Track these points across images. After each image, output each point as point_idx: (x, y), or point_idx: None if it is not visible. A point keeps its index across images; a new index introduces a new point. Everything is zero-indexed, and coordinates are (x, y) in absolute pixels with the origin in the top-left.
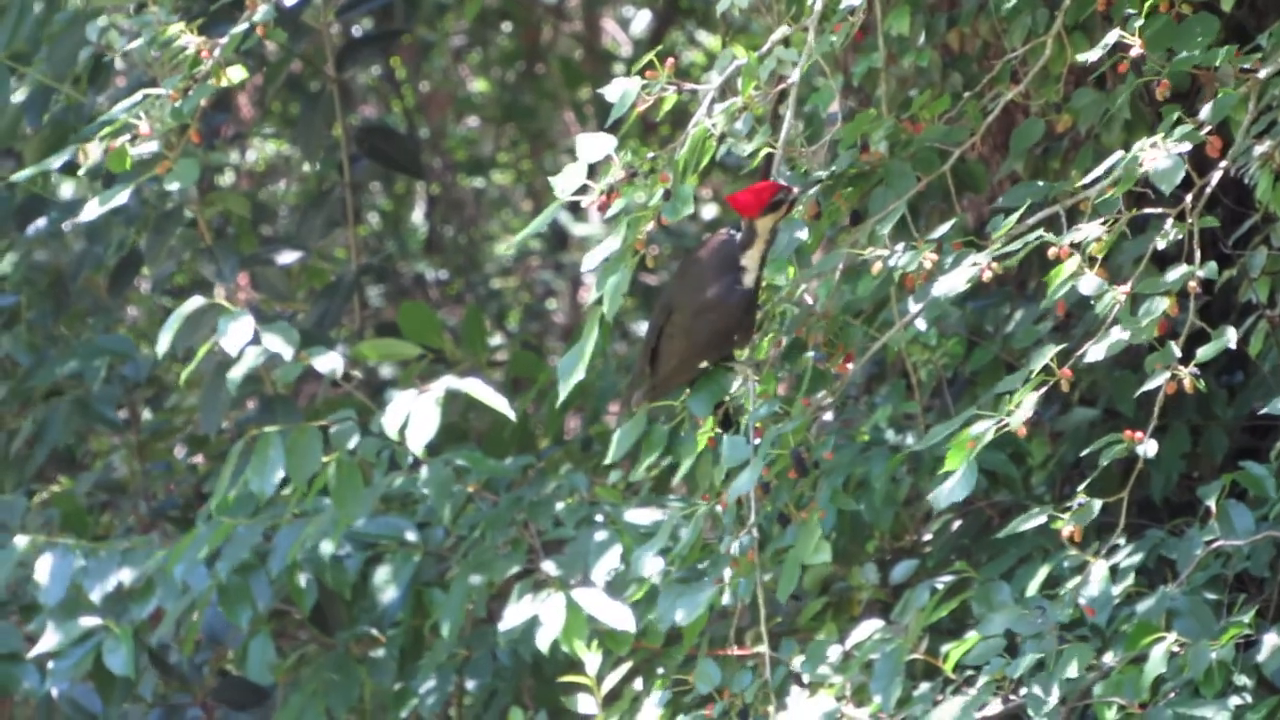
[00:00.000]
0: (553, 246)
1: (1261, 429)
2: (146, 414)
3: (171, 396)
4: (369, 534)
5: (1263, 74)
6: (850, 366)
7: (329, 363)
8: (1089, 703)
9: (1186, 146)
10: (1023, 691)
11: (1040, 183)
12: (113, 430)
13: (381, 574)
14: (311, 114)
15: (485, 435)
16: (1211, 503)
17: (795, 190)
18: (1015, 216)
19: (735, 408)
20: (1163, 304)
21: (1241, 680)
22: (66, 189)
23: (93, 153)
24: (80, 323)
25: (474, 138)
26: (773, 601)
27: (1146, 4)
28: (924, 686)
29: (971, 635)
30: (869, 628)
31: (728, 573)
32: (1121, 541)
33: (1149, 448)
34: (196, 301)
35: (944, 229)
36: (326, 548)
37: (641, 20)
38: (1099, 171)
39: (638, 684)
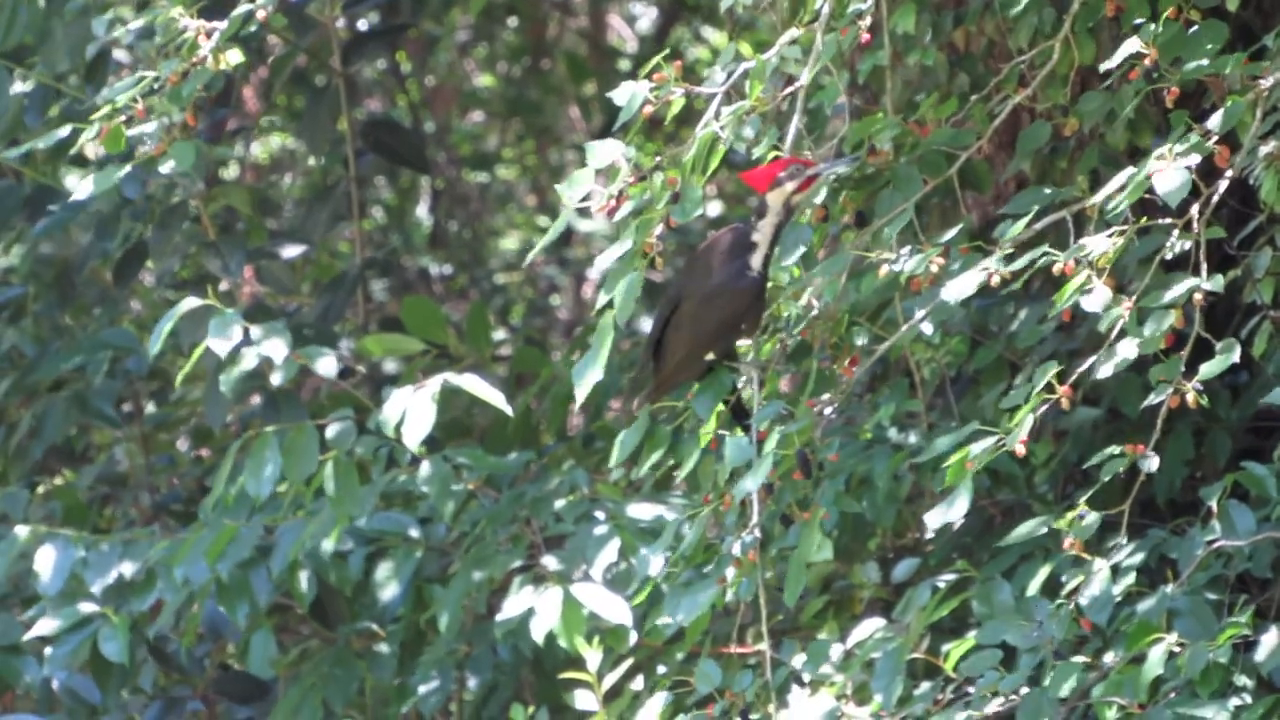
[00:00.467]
0: (557, 242)
1: (1265, 430)
2: (150, 407)
3: (176, 390)
4: (371, 530)
5: (1268, 82)
6: (855, 369)
7: (326, 364)
8: (1089, 703)
9: (1195, 159)
10: (1022, 690)
11: (1047, 190)
12: (110, 426)
13: (383, 570)
14: (317, 108)
15: (487, 431)
16: (1213, 503)
17: (815, 165)
18: (1023, 223)
19: (745, 401)
20: (1169, 317)
21: (1241, 680)
22: (72, 182)
23: (89, 135)
24: (85, 315)
25: (479, 133)
26: (775, 599)
27: (1162, 14)
28: (925, 685)
29: (972, 635)
30: (870, 626)
31: (730, 572)
32: (1122, 541)
33: (1151, 462)
34: (191, 302)
35: (951, 234)
36: (327, 545)
37: (647, 16)
38: (1111, 187)
39: (638, 681)
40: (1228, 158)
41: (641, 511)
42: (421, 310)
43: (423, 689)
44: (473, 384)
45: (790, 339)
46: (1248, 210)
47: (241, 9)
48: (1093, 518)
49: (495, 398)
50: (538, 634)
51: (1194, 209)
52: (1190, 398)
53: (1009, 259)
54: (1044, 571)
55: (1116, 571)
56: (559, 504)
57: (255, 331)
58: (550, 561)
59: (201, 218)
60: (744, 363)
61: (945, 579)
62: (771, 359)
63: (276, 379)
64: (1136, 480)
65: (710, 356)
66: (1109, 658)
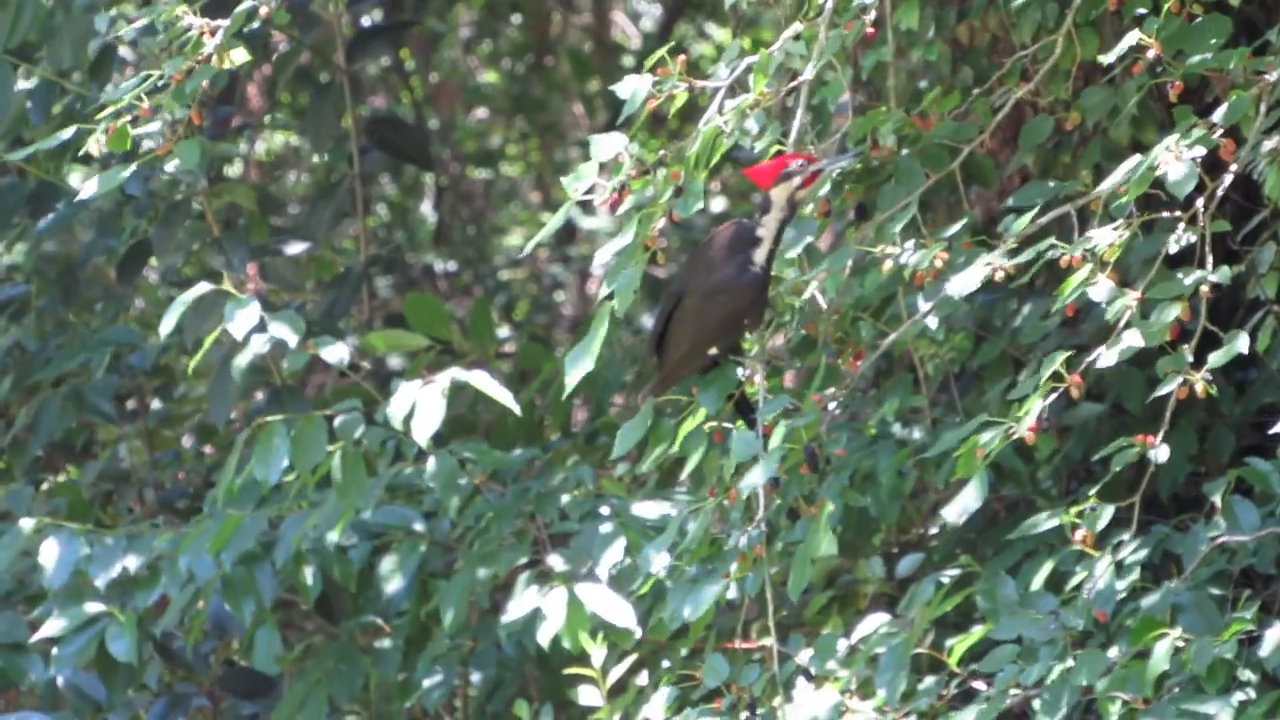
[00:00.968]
0: (561, 239)
1: (1269, 425)
2: (155, 403)
3: (180, 386)
4: (375, 524)
5: (1273, 76)
6: (860, 364)
7: (335, 352)
8: (1093, 698)
9: (1201, 151)
10: (1035, 698)
11: (1051, 183)
12: (107, 422)
13: (387, 564)
14: (321, 105)
15: (492, 427)
16: (1217, 498)
17: (819, 161)
18: (1028, 218)
19: (749, 395)
20: (1174, 310)
21: (1245, 675)
22: (76, 180)
23: (95, 136)
24: (88, 312)
25: (483, 129)
26: (780, 595)
27: (1164, 7)
28: (929, 680)
29: (976, 630)
30: (874, 621)
31: (735, 567)
32: (1127, 536)
33: (1161, 453)
34: (203, 287)
35: (955, 228)
36: (332, 538)
37: (651, 13)
38: (1116, 179)
39: (643, 677)
40: (1232, 151)
41: (647, 510)
42: (425, 306)
43: (427, 684)
44: (480, 380)
45: (793, 334)
46: (1251, 205)
47: (244, 5)
48: (1102, 510)
49: (502, 394)
50: (543, 637)
51: (1199, 202)
52: (1199, 387)
53: (1013, 253)
54: (1048, 566)
55: (1121, 567)
56: (564, 500)
57: (267, 317)
58: (556, 561)
59: (206, 214)
60: (748, 357)
61: (949, 574)
62: (776, 353)
63: (284, 367)
64: (1144, 476)
65: (713, 351)
66: (1113, 653)
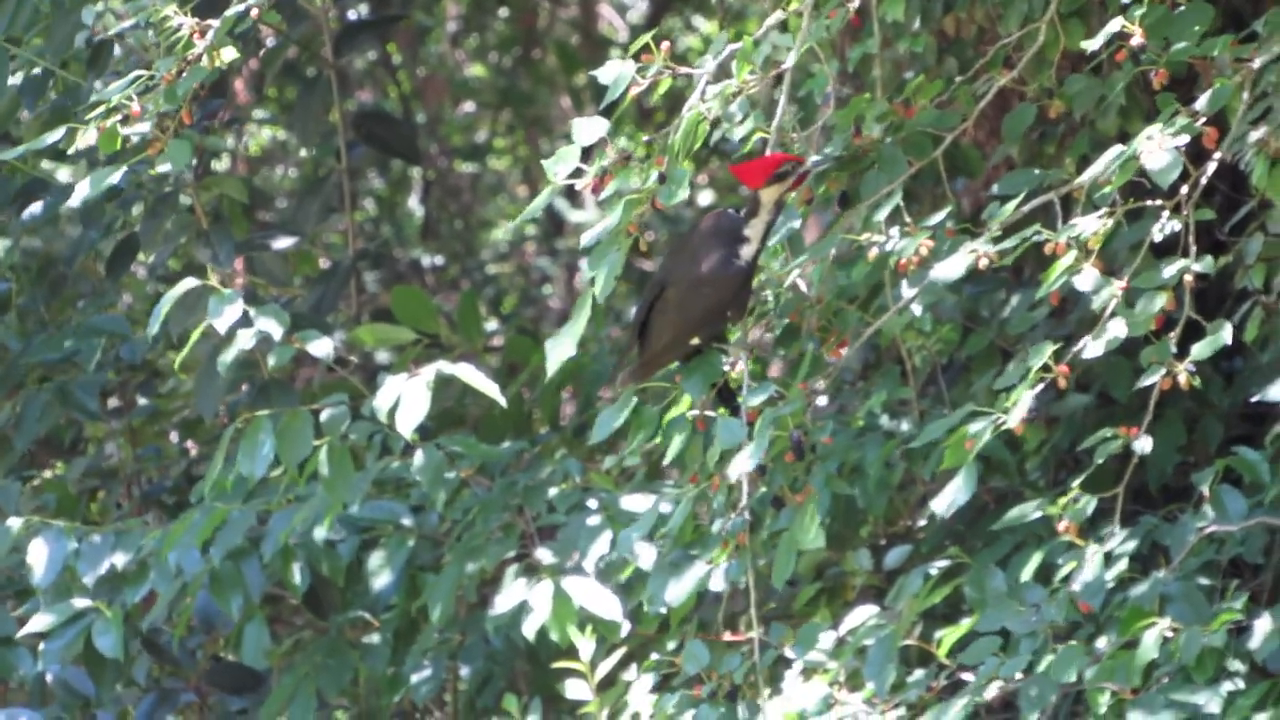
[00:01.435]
0: (548, 232)
1: (1257, 415)
2: (141, 399)
3: (166, 381)
4: (363, 518)
5: (1257, 63)
6: (844, 352)
7: (322, 347)
8: (1081, 688)
9: (1184, 139)
10: (1019, 691)
11: (1036, 170)
12: (93, 419)
13: (375, 558)
14: (309, 99)
15: (480, 420)
16: (1205, 488)
17: (807, 162)
18: (1012, 205)
19: (733, 383)
20: (1160, 299)
21: (1234, 665)
22: (63, 175)
23: (86, 136)
24: (71, 308)
25: (470, 123)
26: (767, 586)
27: None
28: (918, 672)
29: (965, 622)
30: (863, 613)
31: (717, 553)
32: (1115, 527)
33: (1145, 444)
34: (189, 283)
35: (939, 216)
36: (319, 533)
37: (638, 6)
38: (1099, 165)
39: (631, 671)
40: (1216, 139)
41: (635, 504)
42: (412, 300)
43: (415, 678)
44: (466, 373)
45: (776, 323)
46: (1238, 196)
47: (235, 9)
48: (1088, 501)
49: (488, 386)
50: (530, 631)
51: (1183, 190)
52: (1183, 378)
53: (997, 241)
54: (1037, 558)
55: (1109, 558)
56: (551, 493)
57: (252, 312)
58: (544, 554)
59: (195, 208)
60: (732, 344)
61: (938, 566)
62: (759, 344)
63: (271, 362)
64: (1129, 465)
65: (695, 341)
66: (1101, 643)
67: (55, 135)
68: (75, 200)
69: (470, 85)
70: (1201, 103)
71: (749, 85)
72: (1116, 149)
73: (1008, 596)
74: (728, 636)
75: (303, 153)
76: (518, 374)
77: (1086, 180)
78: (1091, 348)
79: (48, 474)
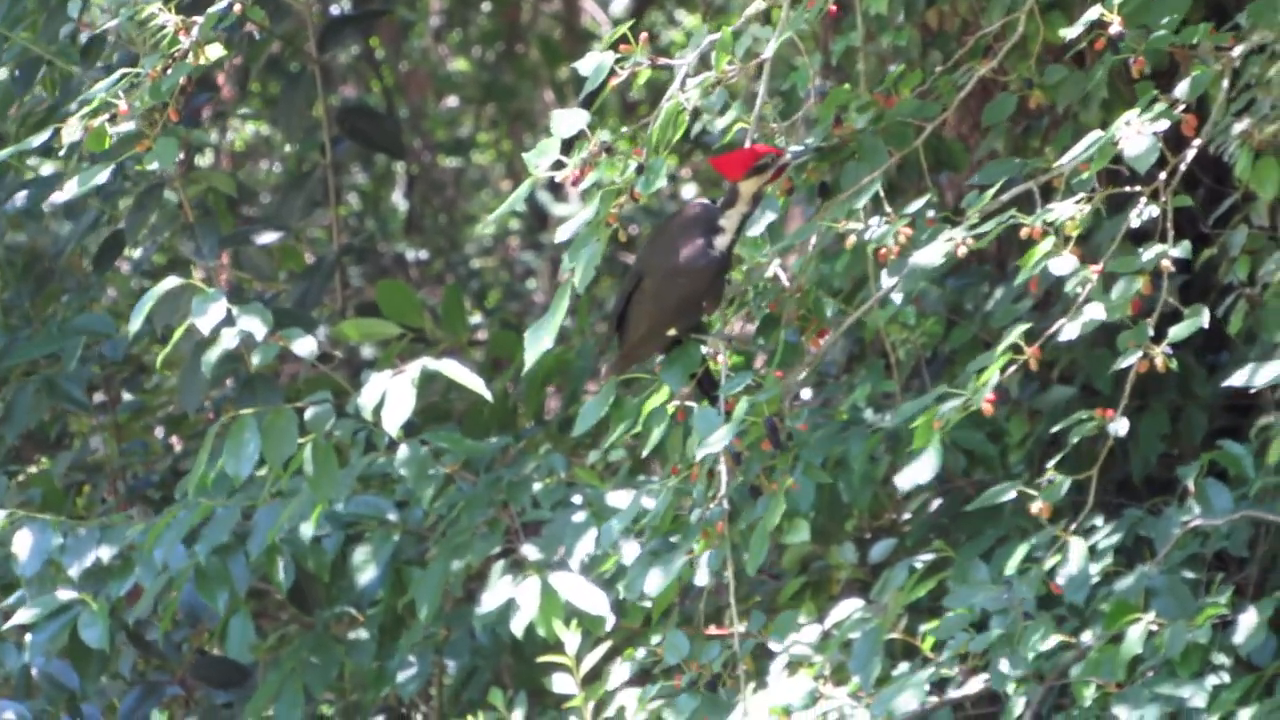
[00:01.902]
0: (532, 226)
1: (1242, 408)
2: (126, 394)
3: (151, 377)
4: (348, 514)
5: (1237, 51)
6: (823, 341)
7: (305, 345)
8: (1066, 682)
9: (1163, 125)
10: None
11: (1016, 160)
12: (81, 411)
13: (360, 553)
14: (292, 94)
15: (465, 415)
16: (1190, 482)
17: (786, 155)
18: (990, 193)
19: (712, 373)
20: (1136, 283)
21: (1219, 659)
22: (48, 169)
23: (72, 132)
24: (56, 303)
25: (454, 117)
26: (751, 580)
27: None
28: (903, 666)
29: (950, 615)
30: (848, 607)
31: (697, 545)
32: (1100, 521)
33: (1120, 426)
34: (171, 281)
35: (918, 204)
36: (305, 530)
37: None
38: (1076, 151)
39: (617, 665)
40: (1194, 126)
41: (620, 499)
42: (397, 294)
43: (401, 674)
44: (451, 368)
45: (756, 311)
46: (1222, 189)
47: (218, 5)
48: (1061, 481)
49: (474, 382)
50: (518, 628)
51: (1161, 176)
52: (1159, 361)
53: (977, 229)
54: (1021, 551)
55: (1094, 551)
56: (536, 488)
57: (235, 311)
58: (529, 550)
59: (183, 203)
60: (711, 335)
61: (922, 559)
62: (740, 336)
63: (255, 360)
64: (1104, 448)
65: (673, 332)
66: (1086, 637)
67: (42, 137)
68: (62, 198)
69: (453, 80)
70: (1181, 90)
71: (728, 76)
72: (1095, 134)
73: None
74: (711, 630)
75: (287, 148)
76: (502, 368)
77: (1065, 165)
78: (1068, 329)
79: (33, 469)
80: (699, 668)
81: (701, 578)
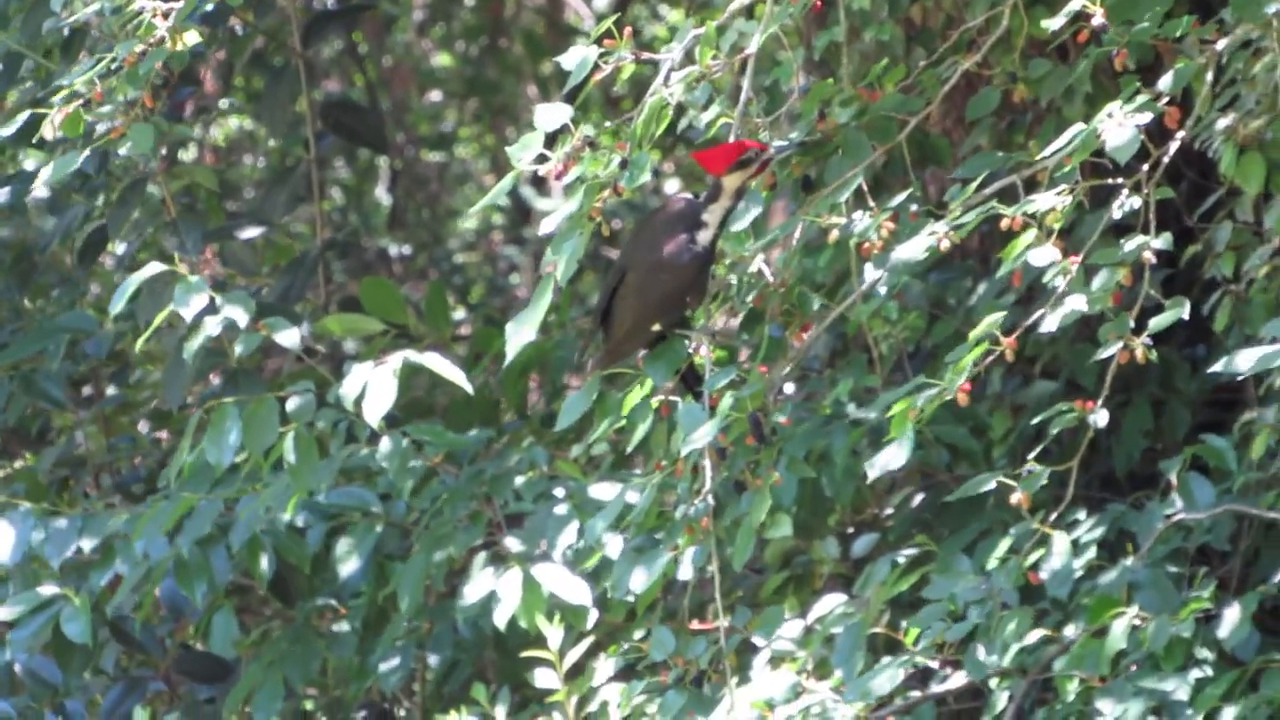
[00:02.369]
0: (515, 221)
1: (1225, 403)
2: (110, 389)
3: (135, 371)
4: (331, 505)
5: (1221, 45)
6: (806, 336)
7: (289, 336)
8: (1049, 676)
9: (1145, 118)
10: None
11: (999, 153)
12: (59, 408)
13: (343, 546)
14: (276, 89)
15: (448, 410)
16: (1173, 476)
17: (769, 149)
18: (973, 186)
19: (697, 367)
20: (1118, 274)
21: (1203, 654)
22: (31, 163)
23: (50, 119)
24: (44, 297)
25: (437, 112)
26: (734, 575)
27: None
28: (885, 660)
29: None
30: (830, 602)
31: (682, 540)
32: (1082, 515)
33: (1100, 417)
34: (155, 267)
35: (900, 198)
36: (284, 518)
37: None
38: (1059, 143)
39: (600, 660)
40: (1178, 119)
41: (602, 492)
42: (380, 290)
43: (383, 667)
44: (433, 361)
45: (740, 306)
46: (1207, 184)
47: None
48: (1041, 471)
49: (455, 375)
50: (501, 620)
51: (1144, 168)
52: (1139, 352)
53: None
54: (1003, 545)
55: (1077, 545)
56: (518, 481)
57: (219, 299)
58: (512, 543)
59: (166, 198)
60: (695, 330)
61: (905, 554)
62: (724, 331)
63: (238, 350)
64: (1084, 440)
65: (657, 327)
66: (1069, 631)
67: (18, 122)
68: (40, 184)
69: (437, 74)
70: (1164, 82)
71: (712, 70)
72: (1077, 127)
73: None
74: (695, 625)
75: (271, 142)
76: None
77: (1049, 158)
78: (1049, 320)
79: (17, 464)
80: (685, 664)
81: (685, 572)
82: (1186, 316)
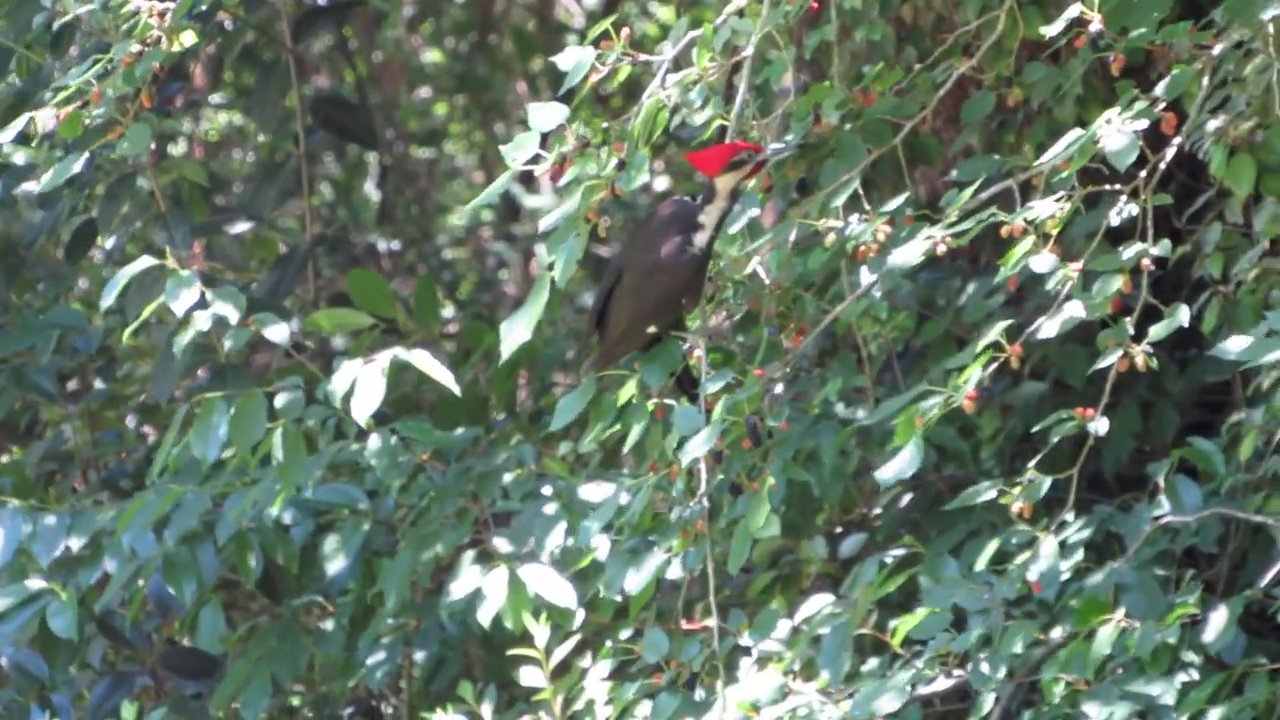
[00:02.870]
0: (504, 218)
1: (1213, 405)
2: (98, 383)
3: (124, 365)
4: (318, 501)
5: (1216, 50)
6: (802, 339)
7: (278, 331)
8: (1036, 679)
9: (1143, 124)
10: (969, 666)
11: (995, 156)
12: (49, 401)
13: (330, 542)
14: (266, 84)
15: (436, 406)
16: (1161, 478)
17: (765, 151)
18: (969, 191)
19: (692, 370)
20: (1116, 282)
21: (1189, 657)
22: (20, 157)
23: (45, 120)
24: (32, 292)
25: (427, 108)
26: (722, 574)
27: None
28: (872, 661)
29: (920, 611)
30: (818, 602)
31: (676, 542)
32: (1070, 517)
33: (1100, 425)
34: (145, 261)
35: (896, 202)
36: (271, 514)
37: None
38: (1057, 149)
39: (586, 659)
40: (1174, 124)
41: (591, 492)
42: (368, 284)
43: (370, 663)
44: (421, 360)
45: (736, 309)
46: (1196, 185)
47: None
48: (1041, 481)
49: (442, 374)
50: (485, 618)
51: (1141, 175)
52: (1140, 360)
53: (955, 226)
54: (991, 546)
55: (1064, 547)
56: (506, 479)
57: (209, 294)
58: (499, 542)
59: (155, 192)
60: (690, 332)
61: (892, 554)
62: (719, 333)
63: (227, 345)
64: (1084, 449)
65: (652, 329)
66: (1056, 633)
67: (17, 126)
68: (41, 188)
69: (426, 71)
70: (1160, 88)
71: (708, 72)
72: (1075, 133)
73: (961, 584)
74: (685, 625)
75: (260, 137)
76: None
77: (1046, 163)
78: (1047, 327)
79: (4, 458)
80: (678, 666)
81: (675, 572)
82: (1186, 324)
